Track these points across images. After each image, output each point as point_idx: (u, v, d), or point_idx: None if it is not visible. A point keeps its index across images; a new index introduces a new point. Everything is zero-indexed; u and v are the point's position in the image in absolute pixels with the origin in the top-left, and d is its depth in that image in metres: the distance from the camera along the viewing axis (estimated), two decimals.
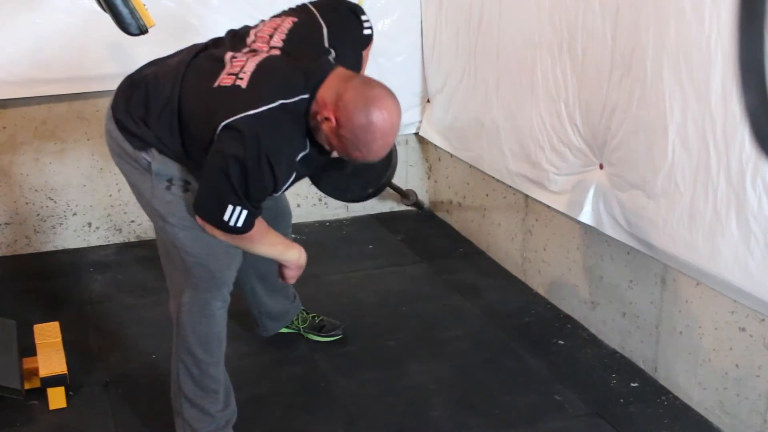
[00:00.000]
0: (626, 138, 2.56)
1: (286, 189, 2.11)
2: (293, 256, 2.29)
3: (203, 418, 2.34)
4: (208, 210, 2.05)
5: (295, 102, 1.97)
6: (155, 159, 2.13)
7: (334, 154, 2.09)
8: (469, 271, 3.56)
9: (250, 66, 2.01)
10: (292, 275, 2.34)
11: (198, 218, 2.08)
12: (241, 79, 1.99)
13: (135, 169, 2.18)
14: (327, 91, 1.96)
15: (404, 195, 4.06)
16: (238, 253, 2.29)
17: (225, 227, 2.04)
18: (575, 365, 2.80)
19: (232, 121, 1.95)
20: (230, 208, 2.00)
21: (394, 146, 2.46)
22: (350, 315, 3.10)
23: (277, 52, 2.06)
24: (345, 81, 1.97)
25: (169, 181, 2.15)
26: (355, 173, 2.48)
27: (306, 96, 1.97)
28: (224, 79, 2.01)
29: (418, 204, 4.13)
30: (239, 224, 2.02)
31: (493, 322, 3.10)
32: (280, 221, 2.60)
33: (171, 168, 2.14)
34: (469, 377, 2.74)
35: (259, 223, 2.11)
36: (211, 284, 2.28)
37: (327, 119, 1.95)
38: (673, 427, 2.46)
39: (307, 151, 2.05)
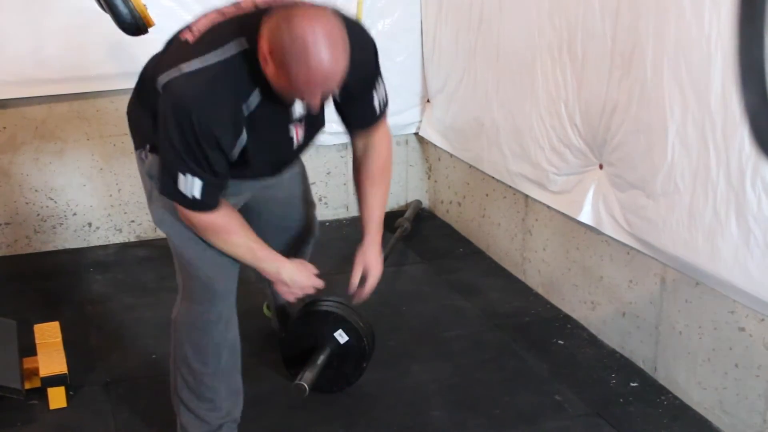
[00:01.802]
0: (626, 138, 2.56)
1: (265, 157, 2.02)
2: (270, 267, 2.16)
3: (199, 424, 2.31)
4: (166, 183, 1.96)
5: (234, 55, 1.83)
6: (148, 159, 2.11)
7: (299, 109, 1.99)
8: (469, 271, 3.56)
9: (206, 22, 1.91)
10: (282, 291, 2.23)
11: (169, 199, 1.99)
12: (193, 34, 1.90)
13: (140, 170, 2.18)
14: (261, 33, 1.79)
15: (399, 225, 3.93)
16: (230, 265, 2.20)
17: (185, 201, 1.94)
18: (575, 365, 2.80)
19: (167, 80, 1.86)
20: (181, 176, 1.90)
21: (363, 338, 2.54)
22: None
23: (252, 9, 1.90)
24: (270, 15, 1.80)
25: None
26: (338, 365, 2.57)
27: (247, 47, 1.83)
28: (183, 34, 1.94)
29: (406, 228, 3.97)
30: (197, 194, 1.91)
31: (493, 322, 3.10)
32: (285, 235, 2.51)
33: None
34: (469, 377, 2.74)
35: (229, 214, 2.04)
36: (203, 296, 2.22)
37: (265, 61, 1.78)
38: (673, 427, 2.47)
39: (258, 103, 1.88)
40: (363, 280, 2.34)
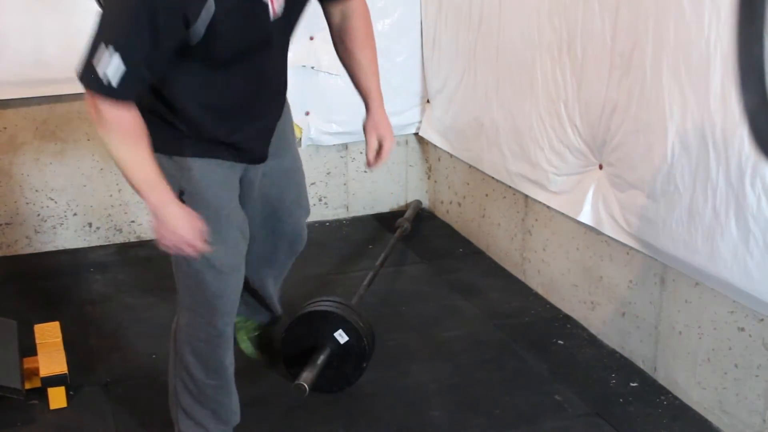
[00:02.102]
0: (626, 138, 2.56)
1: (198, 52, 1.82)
2: (157, 199, 1.89)
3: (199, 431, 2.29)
4: (86, 58, 1.77)
5: None
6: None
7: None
8: (469, 271, 3.56)
9: None
10: (158, 233, 1.93)
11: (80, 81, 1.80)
12: None
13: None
14: None
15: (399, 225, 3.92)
16: (237, 280, 2.17)
17: (97, 84, 1.74)
18: (575, 365, 2.80)
19: None
20: (105, 52, 1.72)
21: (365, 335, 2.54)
22: None
23: None
24: None
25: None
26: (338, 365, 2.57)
27: None
28: None
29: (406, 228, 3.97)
30: (113, 80, 1.73)
31: (493, 322, 3.11)
32: (270, 240, 2.41)
33: (164, 171, 1.94)
34: (469, 377, 2.74)
35: (139, 120, 1.84)
36: (209, 310, 2.16)
37: None
38: (673, 427, 2.47)
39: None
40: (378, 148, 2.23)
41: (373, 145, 2.21)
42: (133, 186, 1.91)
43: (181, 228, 1.91)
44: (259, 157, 2.17)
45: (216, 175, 2.07)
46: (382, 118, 2.23)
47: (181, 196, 2.00)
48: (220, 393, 2.27)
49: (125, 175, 1.90)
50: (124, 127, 1.83)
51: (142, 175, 1.88)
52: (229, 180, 2.12)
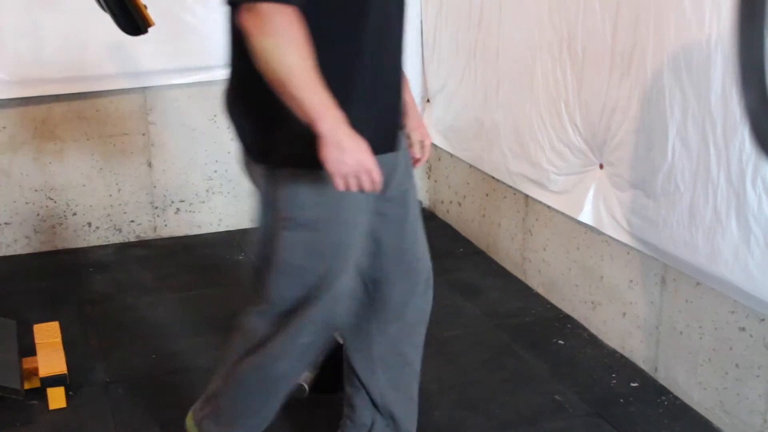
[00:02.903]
0: (626, 138, 2.56)
1: None
2: (332, 117, 1.58)
3: None
4: None
5: None
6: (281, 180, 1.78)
7: None
8: (469, 271, 3.56)
9: None
10: (333, 159, 1.58)
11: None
12: None
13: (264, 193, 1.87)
14: None
15: None
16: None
17: None
18: (575, 365, 2.80)
19: None
20: None
21: None
22: None
23: None
24: None
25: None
26: None
27: None
28: None
29: None
30: None
31: (493, 322, 3.10)
32: (408, 280, 2.03)
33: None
34: (469, 377, 2.74)
35: (300, 23, 1.59)
36: (316, 331, 1.89)
37: None
38: (673, 427, 2.46)
39: None
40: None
41: (419, 143, 2.04)
42: (301, 106, 1.58)
43: (360, 151, 1.61)
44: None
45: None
46: (420, 120, 2.08)
47: (306, 223, 1.78)
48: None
49: (293, 92, 1.58)
50: (294, 33, 1.58)
51: (314, 91, 1.59)
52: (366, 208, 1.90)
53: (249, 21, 1.57)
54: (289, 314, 1.86)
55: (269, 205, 1.80)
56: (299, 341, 1.88)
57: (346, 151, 1.58)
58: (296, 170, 1.74)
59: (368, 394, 2.12)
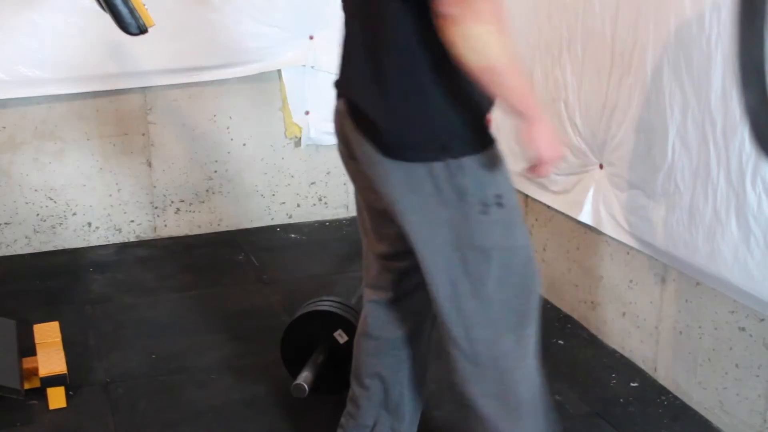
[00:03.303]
0: (626, 138, 2.56)
1: None
2: (535, 102, 1.63)
3: None
4: None
5: None
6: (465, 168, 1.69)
7: None
8: None
9: None
10: (543, 146, 1.63)
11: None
12: None
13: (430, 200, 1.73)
14: None
15: None
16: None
17: None
18: (575, 365, 2.80)
19: None
20: None
21: None
22: None
23: None
24: None
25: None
26: None
27: None
28: None
29: None
30: None
31: None
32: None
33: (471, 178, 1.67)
34: None
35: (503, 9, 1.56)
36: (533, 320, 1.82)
37: None
38: (673, 427, 2.46)
39: None
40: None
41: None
42: (513, 93, 1.61)
43: (555, 139, 1.66)
44: None
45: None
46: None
47: (499, 201, 1.72)
48: None
49: (505, 79, 1.58)
50: (502, 21, 1.56)
51: (523, 78, 1.64)
52: None
53: (456, 8, 1.52)
54: (513, 311, 1.78)
55: (450, 202, 1.71)
56: (529, 332, 1.81)
57: (554, 139, 1.64)
58: (478, 155, 1.72)
59: (387, 392, 2.10)
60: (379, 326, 2.06)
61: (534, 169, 1.66)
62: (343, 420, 2.22)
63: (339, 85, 1.85)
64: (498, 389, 1.83)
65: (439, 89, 1.66)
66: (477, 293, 1.75)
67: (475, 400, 1.85)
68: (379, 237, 1.96)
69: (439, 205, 1.70)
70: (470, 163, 1.70)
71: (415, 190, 1.71)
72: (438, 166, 1.67)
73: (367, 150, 1.74)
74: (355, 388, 2.16)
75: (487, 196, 1.71)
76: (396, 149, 1.70)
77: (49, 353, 2.64)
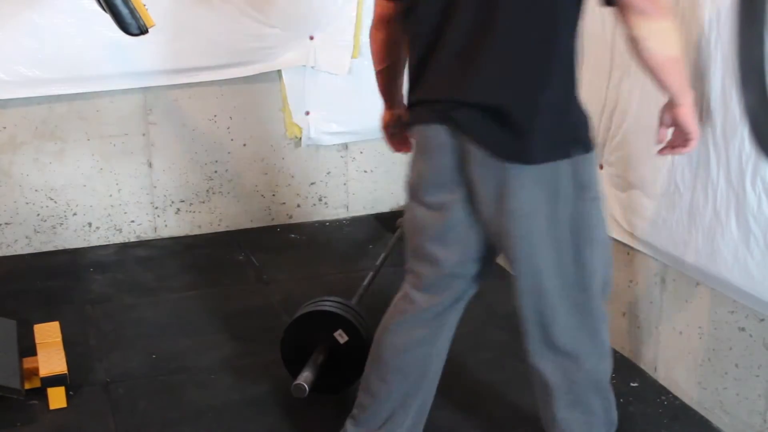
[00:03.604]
0: (626, 138, 2.56)
1: None
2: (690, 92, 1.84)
3: None
4: None
5: None
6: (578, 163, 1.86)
7: None
8: None
9: None
10: (695, 127, 1.86)
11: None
12: None
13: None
14: None
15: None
16: None
17: None
18: None
19: None
20: None
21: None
22: None
23: None
24: None
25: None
26: None
27: None
28: None
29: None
30: None
31: (493, 322, 3.10)
32: None
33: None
34: (469, 377, 2.74)
35: None
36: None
37: None
38: (673, 427, 2.47)
39: None
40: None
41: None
42: (682, 82, 1.81)
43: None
44: None
45: None
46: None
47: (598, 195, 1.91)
48: None
49: (680, 69, 1.80)
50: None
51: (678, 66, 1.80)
52: None
53: (650, 5, 1.68)
54: (598, 295, 1.96)
55: (568, 196, 1.84)
56: (604, 315, 1.99)
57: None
58: (591, 153, 1.88)
59: (407, 390, 2.16)
60: (417, 325, 2.15)
61: (681, 144, 1.89)
62: (353, 412, 2.24)
63: (453, 92, 1.82)
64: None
65: (576, 89, 1.81)
66: (583, 284, 1.91)
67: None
68: (456, 244, 2.01)
69: (562, 200, 1.83)
70: (589, 159, 1.86)
71: (542, 189, 1.81)
72: (566, 164, 1.81)
73: (486, 161, 1.80)
74: (375, 382, 2.17)
75: (597, 190, 1.88)
76: (537, 150, 1.78)
77: (50, 353, 2.64)
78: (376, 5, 2.03)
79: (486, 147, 1.78)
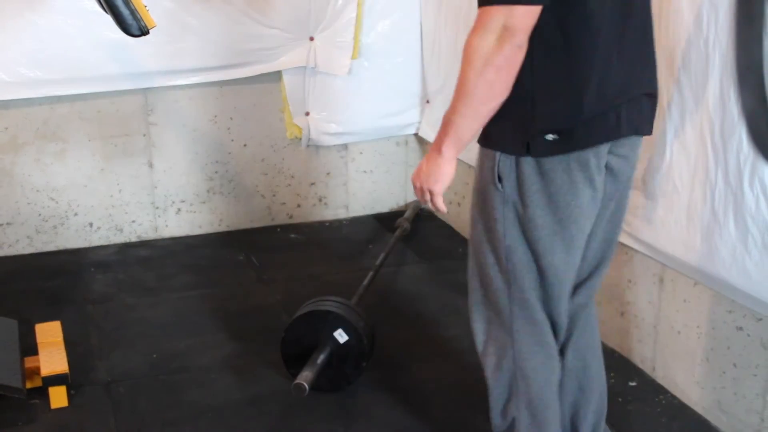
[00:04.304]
0: None
1: None
2: (455, 152, 1.99)
3: None
4: None
5: None
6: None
7: None
8: None
9: None
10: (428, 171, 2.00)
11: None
12: None
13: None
14: None
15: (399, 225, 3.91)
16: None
17: None
18: None
19: None
20: None
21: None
22: None
23: None
24: None
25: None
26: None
27: None
28: None
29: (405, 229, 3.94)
30: None
31: None
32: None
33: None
34: (469, 377, 2.75)
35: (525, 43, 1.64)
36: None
37: None
38: (671, 426, 2.47)
39: None
40: None
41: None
42: (455, 121, 1.83)
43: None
44: None
45: None
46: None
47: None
48: None
49: (465, 105, 1.78)
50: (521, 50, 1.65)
51: (477, 123, 1.81)
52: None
53: (492, 21, 1.73)
54: None
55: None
56: None
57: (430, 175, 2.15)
58: None
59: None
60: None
61: None
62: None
63: (633, 86, 1.86)
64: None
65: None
66: None
67: None
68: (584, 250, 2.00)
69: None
70: None
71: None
72: None
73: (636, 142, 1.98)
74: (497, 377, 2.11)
75: None
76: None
77: (51, 353, 2.65)
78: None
79: (645, 131, 1.96)
